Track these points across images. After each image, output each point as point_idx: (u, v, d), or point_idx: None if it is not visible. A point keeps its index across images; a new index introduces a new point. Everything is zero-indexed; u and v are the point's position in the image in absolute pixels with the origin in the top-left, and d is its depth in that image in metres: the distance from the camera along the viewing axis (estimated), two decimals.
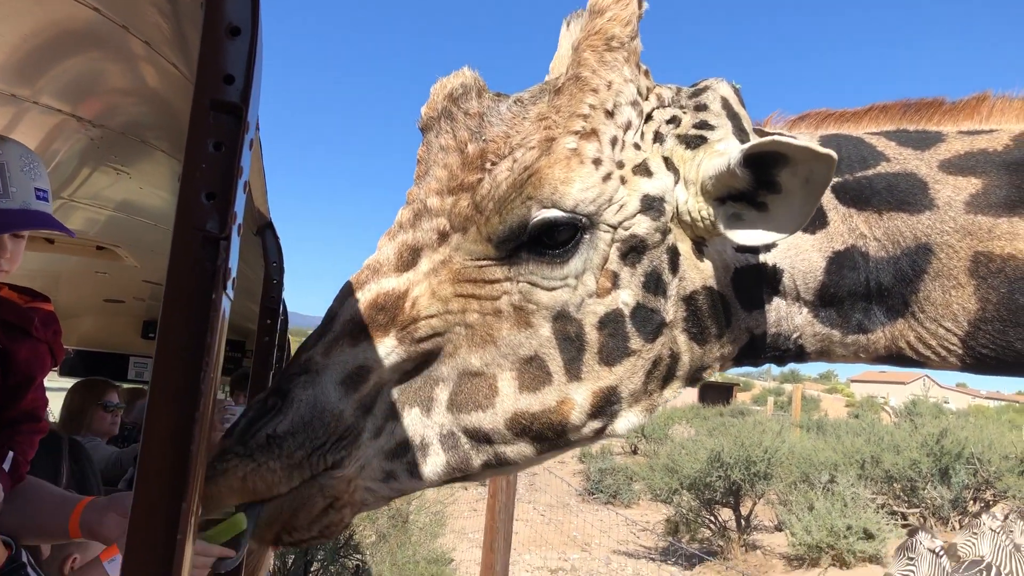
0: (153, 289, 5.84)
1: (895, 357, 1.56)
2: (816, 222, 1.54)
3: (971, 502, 19.68)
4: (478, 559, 9.04)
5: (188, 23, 1.56)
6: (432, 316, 1.45)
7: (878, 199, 1.52)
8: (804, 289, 1.55)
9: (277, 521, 1.38)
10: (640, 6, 1.57)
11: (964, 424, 21.62)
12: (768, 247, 1.54)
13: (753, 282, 1.55)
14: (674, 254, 1.50)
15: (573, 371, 1.45)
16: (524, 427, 1.45)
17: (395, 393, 1.45)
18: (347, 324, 1.45)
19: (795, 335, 1.59)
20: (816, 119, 1.73)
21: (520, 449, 1.48)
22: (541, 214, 1.43)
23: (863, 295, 1.53)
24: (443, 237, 1.50)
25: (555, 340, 1.45)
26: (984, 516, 11.29)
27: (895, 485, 19.76)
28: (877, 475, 19.63)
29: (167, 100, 2.25)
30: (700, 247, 1.53)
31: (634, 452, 30.42)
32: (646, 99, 1.61)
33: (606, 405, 1.47)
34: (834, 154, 1.31)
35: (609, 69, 1.51)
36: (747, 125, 1.60)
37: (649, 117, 1.59)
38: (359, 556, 12.99)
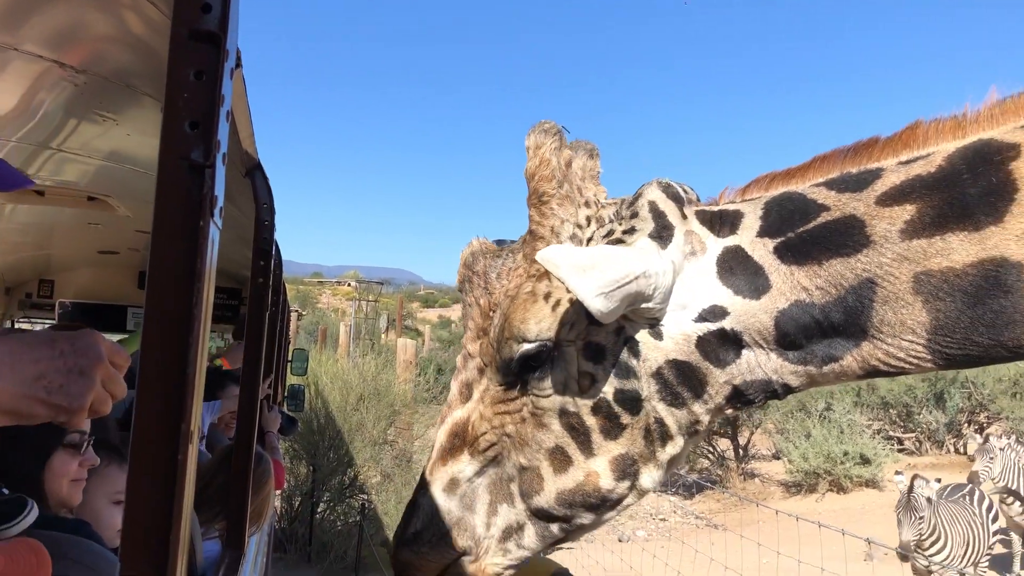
0: (147, 239, 5.83)
1: (874, 373, 1.69)
2: (760, 288, 1.69)
3: (966, 425, 20.00)
4: None
5: None
6: (485, 432, 1.87)
7: (818, 250, 1.64)
8: (765, 342, 1.71)
9: None
10: (563, 157, 1.91)
11: None
12: (719, 313, 1.73)
13: (719, 344, 1.73)
14: (632, 343, 1.76)
15: (587, 450, 1.78)
16: (569, 501, 1.80)
17: (487, 495, 1.89)
18: (439, 451, 1.92)
19: (775, 377, 1.74)
20: (764, 182, 1.85)
21: (579, 517, 1.83)
22: (517, 349, 1.79)
23: (820, 334, 1.66)
24: (480, 372, 1.92)
25: (565, 432, 1.79)
26: (992, 439, 11.63)
27: (891, 411, 20.07)
28: (873, 401, 19.92)
29: (151, 45, 2.24)
30: (656, 328, 1.75)
31: None
32: (588, 226, 1.87)
33: (626, 467, 1.78)
34: (549, 257, 1.62)
35: (548, 219, 1.86)
36: (672, 218, 1.78)
37: (590, 240, 1.85)
38: (364, 495, 13.24)
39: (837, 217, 1.65)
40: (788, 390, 1.78)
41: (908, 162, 1.65)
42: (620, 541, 14.02)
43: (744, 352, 1.74)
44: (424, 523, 1.89)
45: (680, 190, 1.85)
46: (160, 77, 0.94)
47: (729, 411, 1.84)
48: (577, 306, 1.74)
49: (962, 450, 19.65)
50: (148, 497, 0.98)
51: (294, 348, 10.35)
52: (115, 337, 6.16)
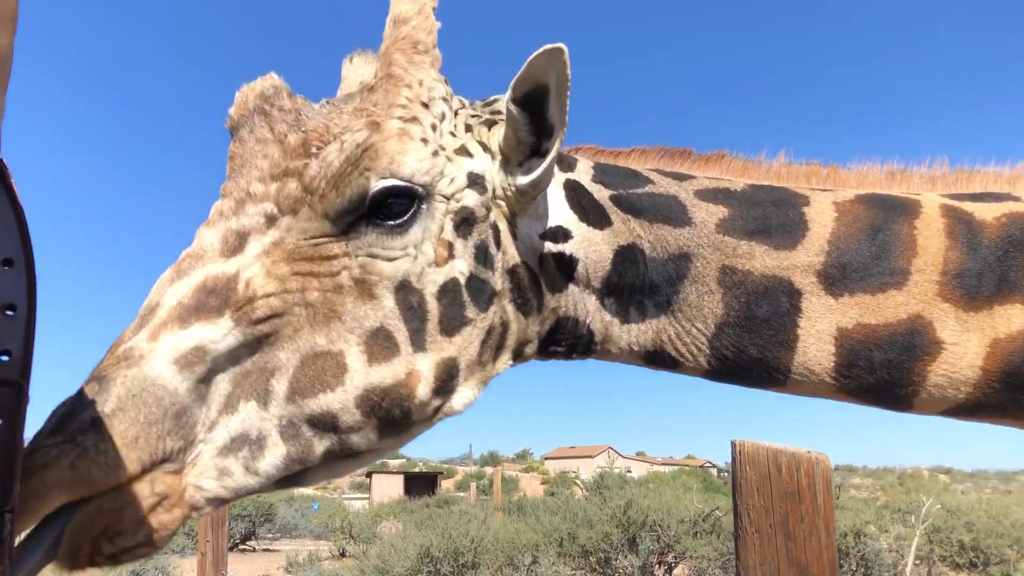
0: None
1: (657, 354, 1.75)
2: (603, 220, 1.74)
3: (657, 566, 21.42)
4: None
5: None
6: (270, 295, 1.43)
7: (648, 212, 1.75)
8: (594, 278, 1.74)
9: (97, 524, 1.22)
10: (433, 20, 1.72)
11: (646, 492, 23.60)
12: (565, 234, 1.72)
13: (556, 267, 1.72)
14: (496, 230, 1.65)
15: (418, 342, 1.51)
16: (374, 404, 1.46)
17: (229, 385, 1.40)
18: (174, 310, 1.37)
19: (587, 319, 1.75)
20: (590, 152, 1.95)
21: (366, 434, 1.48)
22: (380, 183, 1.51)
23: (639, 289, 1.73)
24: (271, 220, 1.51)
25: (399, 311, 1.50)
26: None
27: (591, 558, 21.00)
28: (574, 551, 20.76)
29: None
30: (514, 226, 1.69)
31: (342, 555, 29.56)
32: (451, 100, 1.74)
33: (448, 379, 1.54)
34: (563, 45, 1.52)
35: (418, 69, 1.65)
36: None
37: (456, 113, 1.73)
38: None
39: (663, 192, 1.76)
40: (590, 342, 1.77)
41: (716, 179, 1.82)
42: None
43: (571, 286, 1.73)
44: (121, 402, 1.26)
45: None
46: None
47: (534, 353, 1.79)
48: (466, 160, 1.64)
49: None
50: None
51: None
52: None
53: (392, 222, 1.52)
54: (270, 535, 37.09)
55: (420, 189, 1.55)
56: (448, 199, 1.60)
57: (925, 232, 1.66)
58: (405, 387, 1.47)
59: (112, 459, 1.20)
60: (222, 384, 1.39)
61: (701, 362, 1.71)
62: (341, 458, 1.51)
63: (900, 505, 25.58)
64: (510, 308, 1.65)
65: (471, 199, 1.63)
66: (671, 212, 1.74)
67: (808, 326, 1.64)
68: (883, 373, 1.61)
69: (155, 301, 1.40)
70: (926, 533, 20.20)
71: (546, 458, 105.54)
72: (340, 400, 1.43)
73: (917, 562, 19.36)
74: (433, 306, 1.53)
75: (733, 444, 2.75)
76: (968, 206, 1.71)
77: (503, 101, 1.75)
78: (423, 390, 1.49)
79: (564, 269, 1.72)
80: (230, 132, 1.67)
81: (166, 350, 1.32)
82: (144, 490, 1.25)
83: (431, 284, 1.54)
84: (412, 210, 1.54)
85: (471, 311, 1.57)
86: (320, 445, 1.45)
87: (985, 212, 1.69)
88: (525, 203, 1.69)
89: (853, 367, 1.63)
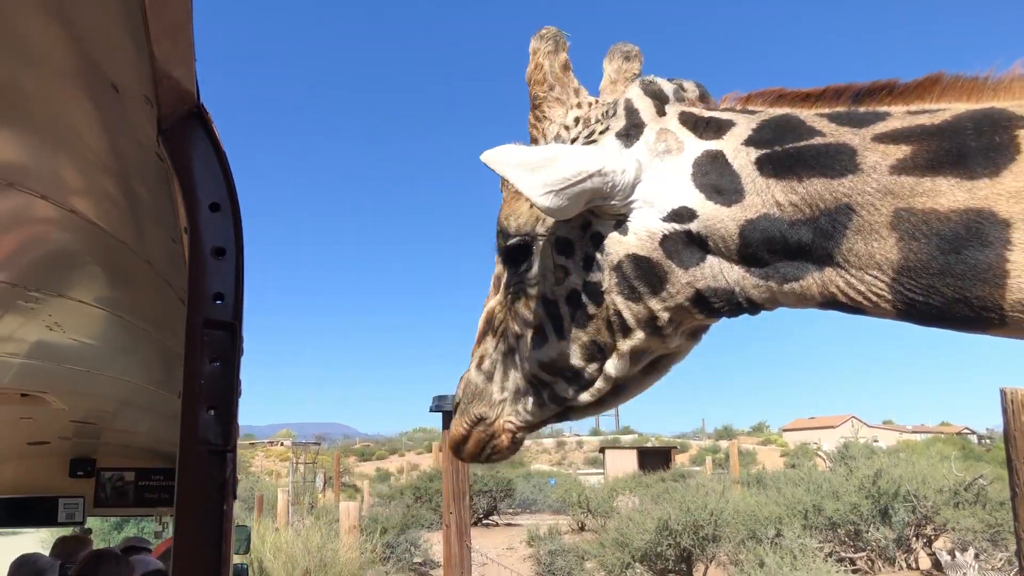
0: (78, 427, 5.65)
1: (831, 302, 1.67)
2: (733, 196, 1.71)
3: (914, 539, 20.05)
4: None
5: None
6: (501, 315, 2.08)
7: (801, 166, 1.64)
8: (728, 251, 1.72)
9: (474, 443, 2.15)
10: (558, 60, 2.02)
11: (896, 462, 22.15)
12: (687, 216, 1.76)
13: (683, 245, 1.76)
14: (598, 237, 1.84)
15: (560, 333, 1.94)
16: (550, 369, 1.97)
17: (502, 365, 2.09)
18: (478, 333, 2.16)
19: (737, 288, 1.74)
20: (769, 98, 1.86)
21: (558, 385, 1.99)
22: (503, 243, 2.02)
23: (784, 251, 1.66)
24: (502, 266, 2.12)
25: (546, 315, 1.95)
26: (958, 554, 11.70)
27: (839, 531, 20.00)
28: (821, 523, 19.86)
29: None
30: (623, 224, 1.81)
31: (582, 529, 30.12)
32: (575, 126, 1.98)
33: (593, 353, 1.91)
34: (492, 157, 1.74)
35: (541, 122, 2.02)
36: (645, 116, 1.85)
37: (575, 140, 1.95)
38: None
39: (830, 143, 1.65)
40: (752, 305, 1.78)
41: (915, 113, 1.64)
42: None
43: (709, 257, 1.76)
44: (461, 394, 2.16)
45: (668, 88, 1.91)
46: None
47: (700, 317, 1.84)
48: None
49: (914, 565, 19.63)
50: None
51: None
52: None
53: (524, 265, 2.05)
54: (510, 510, 38.47)
55: (526, 238, 2.03)
56: (547, 236, 2.00)
57: None
58: (561, 360, 1.98)
59: (463, 423, 2.15)
60: (499, 366, 2.14)
61: (884, 307, 1.60)
62: (565, 408, 2.07)
63: None
64: (618, 299, 1.84)
65: (562, 229, 1.96)
66: (833, 163, 1.62)
67: (1022, 259, 1.45)
68: None
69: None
70: None
71: (784, 430, 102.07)
72: (532, 367, 2.06)
73: None
74: (565, 310, 1.97)
75: (1003, 393, 2.48)
76: None
77: (622, 100, 1.94)
78: (576, 361, 1.95)
79: (696, 244, 1.77)
80: None
81: (474, 360, 2.17)
82: (482, 430, 2.14)
83: (560, 296, 1.99)
84: (529, 252, 2.04)
85: (591, 308, 1.89)
86: (545, 393, 2.04)
87: None
88: (623, 210, 1.84)
89: None
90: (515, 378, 2.07)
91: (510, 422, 2.12)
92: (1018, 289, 1.46)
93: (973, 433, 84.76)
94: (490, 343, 2.12)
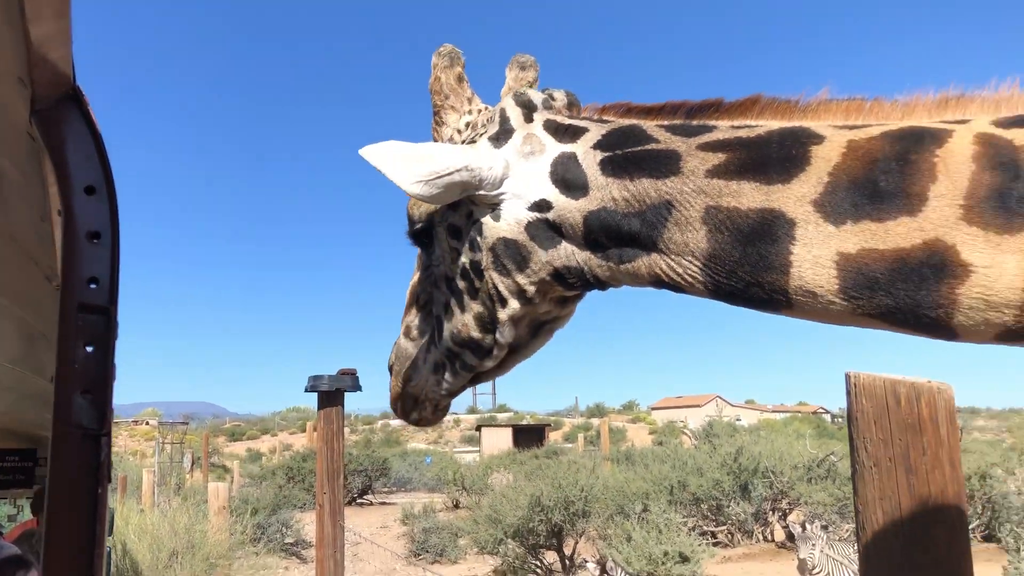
0: None
1: (658, 282, 1.94)
2: (581, 191, 1.98)
3: (770, 513, 21.20)
4: None
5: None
6: (420, 291, 2.33)
7: (634, 168, 1.91)
8: (576, 236, 2.00)
9: (407, 402, 2.39)
10: (453, 73, 2.31)
11: (756, 439, 23.33)
12: (545, 206, 2.04)
13: (543, 230, 2.04)
14: (478, 224, 2.08)
15: (461, 307, 2.16)
16: (458, 341, 2.19)
17: (423, 337, 2.32)
18: (405, 305, 2.37)
19: (586, 268, 2.02)
20: (620, 110, 2.17)
21: (466, 355, 2.21)
22: (410, 228, 2.27)
23: (618, 239, 1.93)
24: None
25: (449, 291, 2.19)
26: (808, 526, 12.57)
27: (702, 506, 20.95)
28: (685, 499, 20.73)
29: None
30: (496, 212, 2.06)
31: (456, 507, 30.39)
32: (465, 130, 2.25)
33: (484, 323, 2.14)
34: (368, 151, 1.95)
35: (440, 128, 2.29)
36: (515, 123, 2.11)
37: (464, 141, 2.18)
38: None
39: (661, 148, 1.91)
40: (599, 282, 2.06)
41: (737, 127, 1.92)
42: None
43: (563, 242, 2.02)
44: (395, 359, 2.42)
45: (537, 98, 2.17)
46: None
47: (560, 289, 2.12)
48: None
49: (770, 537, 20.78)
50: None
51: None
52: None
53: (429, 247, 2.29)
54: (385, 489, 38.39)
55: (427, 224, 2.26)
56: (442, 223, 2.23)
57: (947, 159, 1.64)
58: (464, 332, 2.20)
59: (397, 383, 2.41)
60: (422, 337, 2.39)
61: (699, 287, 1.88)
62: (474, 372, 2.32)
63: None
64: (494, 275, 2.08)
65: (451, 218, 2.21)
66: (659, 166, 1.89)
67: (803, 252, 1.70)
68: (903, 296, 1.61)
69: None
70: None
71: (653, 408, 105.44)
72: (445, 341, 2.27)
73: None
74: (461, 285, 2.18)
75: (847, 376, 2.65)
76: (1011, 132, 1.62)
77: (498, 107, 2.18)
78: (474, 333, 2.19)
79: (552, 231, 2.05)
80: None
81: (402, 328, 2.39)
82: (408, 396, 2.41)
83: (455, 273, 2.21)
84: (431, 237, 2.29)
85: (477, 283, 2.13)
86: (457, 363, 2.26)
87: None
88: (496, 200, 2.09)
89: (863, 288, 1.65)
90: (434, 352, 2.29)
91: (433, 391, 2.36)
92: (799, 277, 1.71)
93: (827, 412, 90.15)
94: (414, 315, 2.36)
